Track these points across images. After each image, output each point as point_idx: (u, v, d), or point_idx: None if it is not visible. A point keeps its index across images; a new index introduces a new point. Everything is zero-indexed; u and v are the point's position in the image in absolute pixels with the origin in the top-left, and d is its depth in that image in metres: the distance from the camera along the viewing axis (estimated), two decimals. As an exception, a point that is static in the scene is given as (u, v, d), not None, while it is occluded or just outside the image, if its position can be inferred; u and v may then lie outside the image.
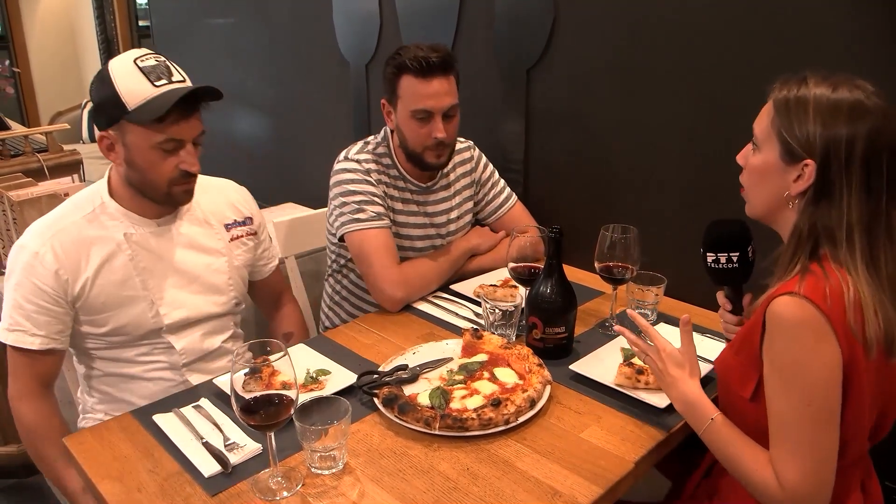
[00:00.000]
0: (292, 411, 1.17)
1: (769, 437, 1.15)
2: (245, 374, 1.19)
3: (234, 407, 1.14)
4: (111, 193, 1.59)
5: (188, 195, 1.59)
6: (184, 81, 1.52)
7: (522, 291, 1.72)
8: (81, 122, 5.92)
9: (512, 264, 1.71)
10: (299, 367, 1.50)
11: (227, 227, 1.74)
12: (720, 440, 1.21)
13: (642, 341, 1.37)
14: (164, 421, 1.39)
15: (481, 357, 1.53)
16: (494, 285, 1.88)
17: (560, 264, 1.56)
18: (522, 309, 1.64)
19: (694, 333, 1.64)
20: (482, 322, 1.72)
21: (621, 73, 1.95)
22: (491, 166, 2.14)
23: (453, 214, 2.05)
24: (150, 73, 1.46)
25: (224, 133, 3.80)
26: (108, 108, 1.47)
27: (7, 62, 4.44)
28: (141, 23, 6.05)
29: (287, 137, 3.40)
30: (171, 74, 1.49)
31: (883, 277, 1.11)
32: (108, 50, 6.04)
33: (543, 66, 2.12)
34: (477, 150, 2.12)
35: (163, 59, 1.51)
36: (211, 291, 1.69)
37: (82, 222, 1.55)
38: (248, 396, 1.16)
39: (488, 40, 2.25)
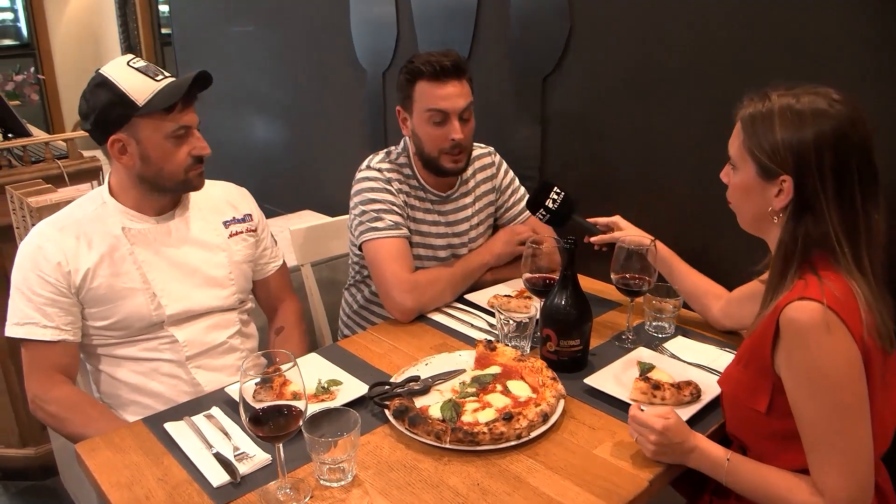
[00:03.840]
0: (301, 423, 1.16)
1: (805, 449, 1.13)
2: (256, 384, 1.19)
3: (243, 418, 1.13)
4: (112, 194, 1.65)
5: (202, 179, 1.66)
6: (174, 77, 1.59)
7: (537, 303, 1.70)
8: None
9: (527, 275, 1.69)
10: (311, 376, 1.50)
11: (226, 223, 1.79)
12: (744, 479, 1.19)
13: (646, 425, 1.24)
14: (175, 429, 1.39)
15: (494, 369, 1.52)
16: (509, 296, 1.86)
17: (575, 275, 1.54)
18: (537, 320, 1.62)
19: (705, 345, 1.63)
20: (496, 333, 1.70)
21: (637, 81, 1.93)
22: (511, 173, 2.13)
23: (474, 221, 2.04)
24: (147, 72, 1.55)
25: (242, 140, 3.82)
26: (114, 111, 1.53)
27: (32, 69, 4.50)
28: (163, 30, 6.10)
29: (304, 145, 3.41)
30: (163, 71, 1.58)
31: (868, 276, 1.13)
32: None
33: (559, 74, 2.10)
34: (497, 155, 2.11)
35: (149, 61, 1.60)
36: (211, 285, 1.72)
37: (84, 219, 1.62)
38: (257, 406, 1.15)
39: (504, 48, 2.24)
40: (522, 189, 2.13)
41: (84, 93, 1.58)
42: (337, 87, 3.03)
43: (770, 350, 1.14)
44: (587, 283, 2.02)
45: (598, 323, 1.75)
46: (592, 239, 1.78)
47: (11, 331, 1.57)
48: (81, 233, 1.59)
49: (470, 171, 2.03)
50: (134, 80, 1.52)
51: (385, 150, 1.97)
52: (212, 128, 4.11)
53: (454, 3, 2.34)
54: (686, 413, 1.34)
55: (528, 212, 2.07)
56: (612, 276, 1.66)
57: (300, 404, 1.16)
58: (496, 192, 2.09)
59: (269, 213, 3.59)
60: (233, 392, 1.48)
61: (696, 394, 1.40)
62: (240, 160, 3.85)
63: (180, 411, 1.45)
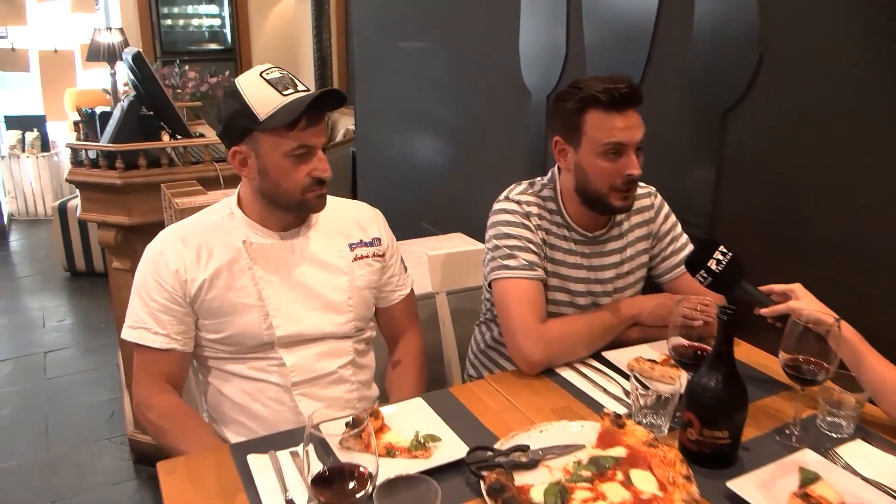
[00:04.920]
0: (370, 488, 1.01)
1: None
2: (347, 426, 1.10)
3: (305, 479, 1.00)
4: (240, 206, 1.61)
5: (321, 201, 1.58)
6: (307, 91, 1.51)
7: (686, 376, 1.45)
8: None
9: (674, 341, 1.44)
10: (410, 426, 1.36)
11: (352, 246, 1.68)
12: None
13: None
14: (257, 463, 1.29)
15: (619, 451, 1.28)
16: (654, 361, 1.60)
17: (731, 353, 1.28)
18: (681, 396, 1.37)
19: (892, 458, 1.29)
20: (630, 402, 1.46)
21: (839, 122, 1.61)
22: (673, 217, 1.87)
23: (623, 269, 1.81)
24: (276, 84, 1.48)
25: (404, 156, 3.80)
26: (239, 121, 1.48)
27: (227, 73, 4.82)
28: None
29: (464, 166, 3.31)
30: (296, 85, 1.50)
31: None
32: (322, 67, 6.37)
33: (743, 110, 1.82)
34: (658, 197, 1.87)
35: (286, 71, 1.52)
36: (329, 309, 1.62)
37: (208, 228, 1.58)
38: (342, 456, 1.04)
39: (681, 77, 1.98)
40: (685, 238, 1.86)
41: (221, 98, 1.55)
42: (501, 109, 2.89)
43: None
44: (752, 355, 1.72)
45: (757, 408, 1.46)
46: (764, 311, 1.49)
47: (126, 333, 1.57)
48: (203, 242, 1.56)
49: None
50: (261, 92, 1.47)
51: (528, 181, 1.79)
52: (380, 141, 4.16)
53: (629, 23, 2.12)
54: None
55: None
56: (781, 355, 1.37)
57: (370, 465, 1.01)
58: (652, 238, 1.84)
59: (423, 232, 3.56)
60: (325, 429, 1.36)
61: (875, 529, 1.09)
62: (403, 175, 3.84)
63: (271, 442, 1.35)
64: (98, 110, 2.81)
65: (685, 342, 1.44)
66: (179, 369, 1.59)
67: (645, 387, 1.41)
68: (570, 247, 1.76)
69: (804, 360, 1.35)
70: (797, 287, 1.50)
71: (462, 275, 2.18)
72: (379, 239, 1.74)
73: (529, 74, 2.62)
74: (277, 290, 1.58)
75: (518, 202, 1.73)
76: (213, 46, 6.91)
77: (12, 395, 3.46)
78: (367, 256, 1.70)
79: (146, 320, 1.54)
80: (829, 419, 1.43)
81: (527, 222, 1.71)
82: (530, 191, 1.76)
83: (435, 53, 3.36)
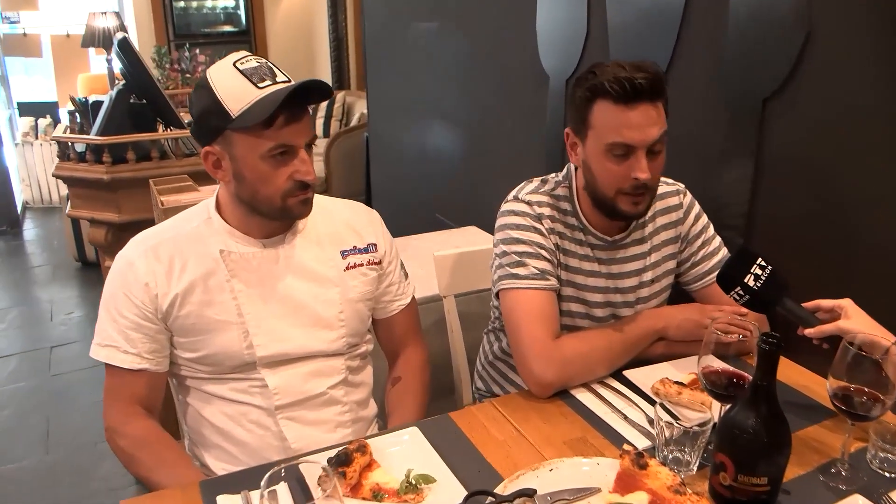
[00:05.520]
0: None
1: None
2: (329, 462, 1.04)
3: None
4: (219, 209, 1.44)
5: (305, 207, 1.40)
6: (289, 82, 1.32)
7: (719, 405, 1.27)
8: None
9: (705, 365, 1.26)
10: (402, 462, 1.21)
11: (344, 253, 1.51)
12: None
13: None
14: (228, 504, 1.14)
15: (639, 497, 1.11)
16: (681, 384, 1.42)
17: (772, 388, 1.09)
18: (714, 424, 1.19)
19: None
20: (654, 431, 1.28)
21: (891, 114, 1.42)
22: (705, 219, 1.68)
23: (646, 276, 1.62)
24: (251, 75, 1.30)
25: (417, 143, 3.63)
26: (209, 118, 1.31)
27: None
28: (370, 24, 6.15)
29: (478, 154, 3.13)
30: (274, 75, 1.32)
31: None
32: (338, 49, 6.21)
33: (785, 98, 1.61)
34: (688, 195, 1.67)
35: (264, 60, 1.34)
36: (317, 325, 1.46)
37: (183, 236, 1.42)
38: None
39: (714, 61, 1.78)
40: (718, 240, 1.67)
41: (193, 88, 1.39)
42: (518, 94, 2.70)
43: None
44: (794, 375, 1.52)
45: (799, 439, 1.29)
46: (809, 331, 1.30)
47: (94, 351, 1.42)
48: (177, 252, 1.40)
49: (649, 212, 1.61)
50: (233, 84, 1.29)
51: (541, 179, 1.61)
52: (393, 127, 3.98)
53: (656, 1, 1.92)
54: None
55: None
56: (829, 383, 1.19)
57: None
58: (680, 241, 1.65)
59: (436, 224, 3.39)
60: (304, 469, 1.21)
61: None
62: (417, 163, 3.67)
63: (251, 476, 1.19)
64: (91, 99, 2.66)
65: (718, 367, 1.25)
66: (152, 391, 1.45)
67: (673, 416, 1.24)
68: (587, 252, 1.58)
69: (856, 391, 1.16)
70: (847, 303, 1.31)
71: (472, 276, 2.01)
72: (375, 244, 1.57)
73: (547, 56, 2.43)
74: (259, 305, 1.42)
75: (528, 202, 1.55)
76: (228, 29, 6.76)
77: (15, 394, 3.37)
78: (362, 265, 1.54)
79: (115, 338, 1.40)
80: (882, 456, 1.25)
81: (538, 225, 1.53)
82: (542, 189, 1.58)
83: (449, 34, 3.18)
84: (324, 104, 5.96)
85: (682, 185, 1.67)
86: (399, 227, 3.89)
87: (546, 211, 1.55)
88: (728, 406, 1.19)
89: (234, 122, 1.28)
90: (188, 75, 4.45)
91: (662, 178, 1.67)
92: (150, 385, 1.43)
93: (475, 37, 2.96)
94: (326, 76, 6.38)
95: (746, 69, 1.70)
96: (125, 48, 2.28)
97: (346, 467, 1.17)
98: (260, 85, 1.29)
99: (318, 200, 1.52)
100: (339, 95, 5.95)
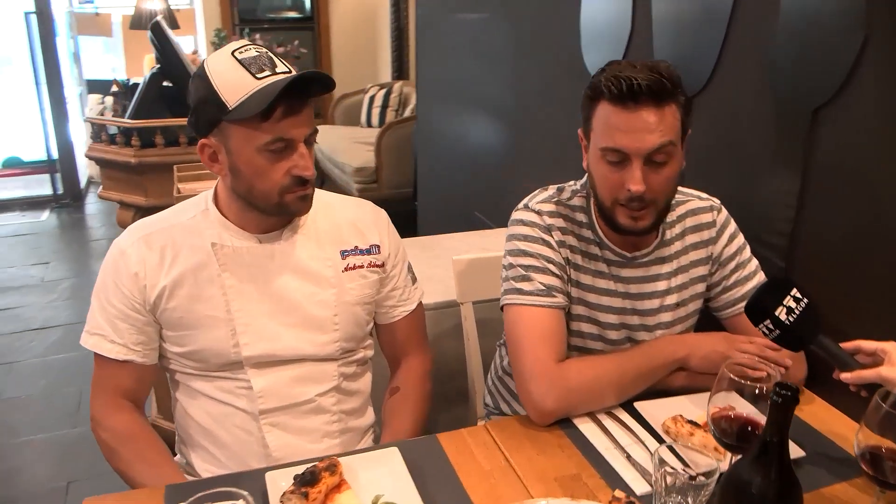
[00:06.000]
0: None
1: None
2: (295, 479, 1.02)
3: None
4: (216, 202, 1.38)
5: (304, 203, 1.34)
6: (290, 73, 1.26)
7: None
8: (361, 107, 6.09)
9: (715, 408, 1.12)
10: (373, 486, 1.13)
11: (344, 253, 1.44)
12: None
13: None
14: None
15: (624, 555, 0.99)
16: (695, 424, 1.28)
17: (783, 445, 0.95)
18: (721, 474, 1.06)
19: None
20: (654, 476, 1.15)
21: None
22: (741, 239, 1.51)
23: (670, 300, 1.47)
24: (250, 65, 1.24)
25: (459, 138, 3.53)
26: (206, 110, 1.26)
27: (296, 42, 4.63)
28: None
29: (518, 151, 3.00)
30: (274, 66, 1.26)
31: None
32: (399, 38, 6.13)
33: (838, 107, 1.44)
34: (724, 212, 1.51)
35: (265, 50, 1.27)
36: (309, 327, 1.39)
37: (178, 227, 1.37)
38: None
39: (763, 64, 1.61)
40: (755, 264, 1.51)
41: (191, 77, 1.32)
42: (559, 92, 2.56)
43: None
44: (825, 418, 1.35)
45: (825, 498, 1.14)
46: (845, 376, 1.15)
47: (83, 338, 1.39)
48: (169, 243, 1.35)
49: (678, 228, 1.47)
50: (231, 75, 1.23)
51: (557, 187, 1.49)
52: (438, 120, 3.87)
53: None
54: None
55: None
56: (859, 439, 1.04)
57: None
58: (712, 262, 1.50)
59: (475, 223, 3.28)
60: (270, 480, 1.14)
61: None
62: (458, 159, 3.56)
63: (204, 487, 1.11)
64: (132, 81, 2.65)
65: (731, 413, 1.11)
66: (139, 384, 1.41)
67: (682, 459, 1.11)
68: (601, 269, 1.44)
69: (887, 453, 1.01)
70: (892, 347, 1.15)
71: (492, 283, 1.86)
72: (378, 246, 1.48)
73: (589, 53, 2.29)
74: (250, 302, 1.36)
75: (538, 212, 1.43)
76: (293, 14, 6.75)
77: (53, 365, 3.43)
78: (362, 266, 1.45)
79: (103, 326, 1.36)
80: (920, 525, 1.08)
81: (547, 237, 1.41)
82: (556, 198, 1.46)
83: (495, 27, 3.05)
84: (380, 93, 5.90)
85: (718, 202, 1.52)
86: (437, 224, 3.81)
87: (557, 222, 1.43)
88: (738, 457, 1.05)
89: (231, 113, 1.23)
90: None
91: (696, 193, 1.53)
92: (136, 377, 1.39)
93: (521, 30, 2.83)
94: (386, 66, 6.31)
95: (797, 74, 1.52)
96: (158, 32, 2.25)
97: (311, 487, 1.09)
98: (258, 75, 1.23)
99: (322, 196, 1.45)
100: (397, 86, 5.88)
